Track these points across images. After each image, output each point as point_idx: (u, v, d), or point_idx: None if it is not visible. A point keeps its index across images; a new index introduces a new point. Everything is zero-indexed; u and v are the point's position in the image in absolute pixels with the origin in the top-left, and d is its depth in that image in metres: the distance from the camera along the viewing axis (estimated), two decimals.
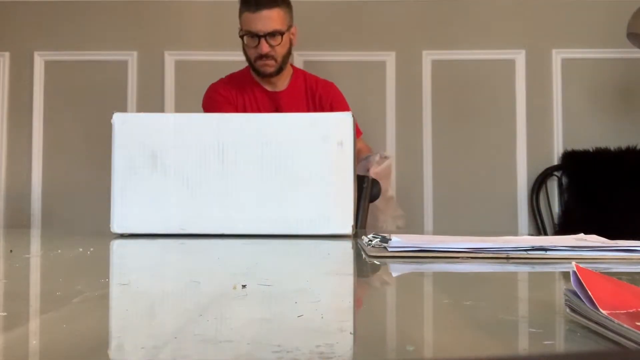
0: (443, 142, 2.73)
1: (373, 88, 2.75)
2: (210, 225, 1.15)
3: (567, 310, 0.42)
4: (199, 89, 2.14)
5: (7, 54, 2.80)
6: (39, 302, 0.53)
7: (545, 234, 2.63)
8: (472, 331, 0.41)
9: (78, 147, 2.74)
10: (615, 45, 2.68)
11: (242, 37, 2.03)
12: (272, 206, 1.15)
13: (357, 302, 0.55)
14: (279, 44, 1.99)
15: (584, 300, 0.39)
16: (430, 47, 2.76)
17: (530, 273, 0.72)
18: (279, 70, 2.04)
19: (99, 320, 0.45)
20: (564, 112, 2.74)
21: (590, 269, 0.41)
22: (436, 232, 1.59)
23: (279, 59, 2.02)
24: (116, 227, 1.16)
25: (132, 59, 2.78)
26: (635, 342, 0.33)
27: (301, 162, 1.15)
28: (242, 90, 2.08)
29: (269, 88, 2.10)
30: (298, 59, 2.71)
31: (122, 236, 1.16)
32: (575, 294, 0.41)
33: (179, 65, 2.77)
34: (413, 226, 2.59)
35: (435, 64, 2.76)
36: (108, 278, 0.70)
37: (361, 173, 1.84)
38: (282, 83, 2.11)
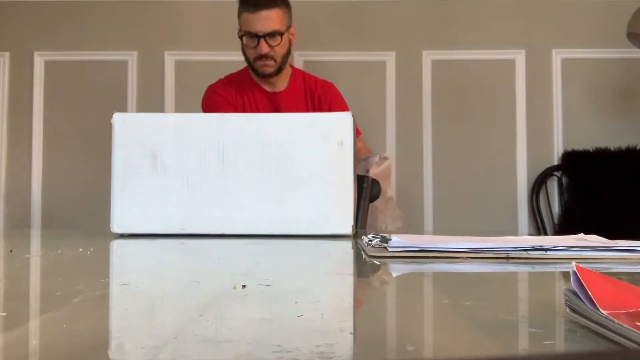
0: (443, 142, 2.73)
1: (373, 88, 2.75)
2: (210, 225, 1.15)
3: (567, 310, 0.42)
4: (199, 89, 2.14)
5: (7, 54, 2.80)
6: (39, 302, 0.53)
7: (545, 234, 2.63)
8: (472, 331, 0.41)
9: (78, 147, 2.74)
10: (615, 45, 2.68)
11: (241, 37, 2.03)
12: (272, 206, 1.15)
13: (357, 302, 0.55)
14: (279, 44, 1.99)
15: (584, 300, 0.39)
16: (430, 47, 2.76)
17: (530, 273, 0.72)
18: (278, 70, 2.04)
19: (99, 320, 0.45)
20: (564, 112, 2.74)
21: (590, 269, 0.41)
22: (436, 232, 1.59)
23: (279, 59, 2.02)
24: (116, 227, 1.16)
25: (132, 59, 2.78)
26: (635, 342, 0.33)
27: (301, 162, 1.15)
28: (242, 91, 2.08)
29: (268, 88, 2.10)
30: (298, 59, 2.71)
31: (122, 236, 1.16)
32: (575, 294, 0.40)
33: (179, 65, 2.77)
34: (413, 226, 2.59)
35: (435, 64, 2.76)
36: (108, 278, 0.70)
37: (361, 173, 1.84)
38: (282, 83, 2.11)
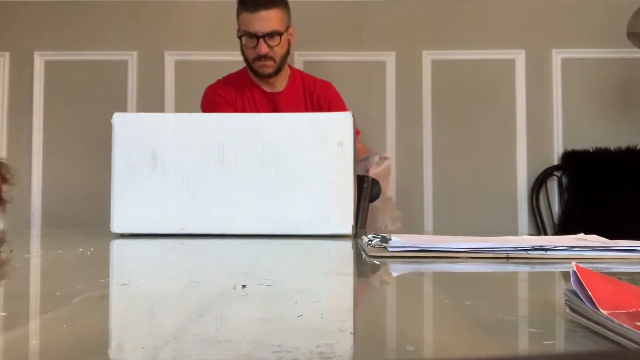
0: (443, 142, 2.73)
1: (373, 88, 2.75)
2: (210, 225, 1.15)
3: (567, 310, 0.42)
4: (199, 89, 2.14)
5: (7, 54, 2.80)
6: (39, 302, 0.53)
7: (545, 234, 2.63)
8: (472, 331, 0.41)
9: (78, 147, 2.74)
10: (615, 45, 2.68)
11: (240, 37, 2.02)
12: (272, 206, 1.15)
13: (357, 302, 0.55)
14: (278, 44, 1.98)
15: (584, 300, 0.39)
16: (430, 47, 2.76)
17: (530, 273, 0.72)
18: (277, 71, 2.04)
19: (99, 320, 0.45)
20: (564, 112, 2.74)
21: (590, 269, 0.41)
22: (436, 232, 1.59)
23: (278, 60, 2.01)
24: (116, 227, 1.16)
25: (132, 59, 2.78)
26: (635, 342, 0.33)
27: (301, 162, 1.15)
28: (241, 91, 2.07)
29: (267, 89, 2.09)
30: (298, 59, 2.71)
31: (122, 236, 1.16)
32: (575, 294, 0.40)
33: (179, 65, 2.77)
34: (413, 226, 2.59)
35: (435, 64, 2.76)
36: (108, 278, 0.70)
37: (361, 173, 1.84)
38: (281, 84, 2.10)
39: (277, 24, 1.97)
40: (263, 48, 1.97)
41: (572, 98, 2.75)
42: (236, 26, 2.03)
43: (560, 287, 0.62)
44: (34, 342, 0.39)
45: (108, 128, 1.18)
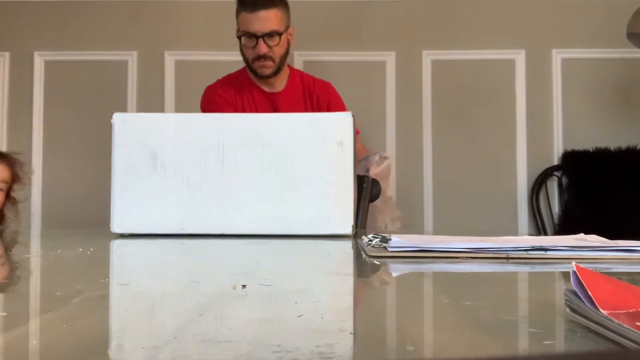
0: (443, 142, 2.73)
1: (373, 88, 2.75)
2: (210, 225, 1.15)
3: (567, 310, 0.42)
4: (199, 89, 2.14)
5: (7, 54, 2.80)
6: (39, 302, 0.53)
7: (545, 234, 2.63)
8: (472, 331, 0.41)
9: (78, 147, 2.74)
10: (615, 45, 2.68)
11: (239, 37, 2.02)
12: (272, 206, 1.15)
13: (357, 302, 0.55)
14: (277, 44, 1.98)
15: (584, 300, 0.39)
16: (430, 47, 2.76)
17: (530, 273, 0.72)
18: (277, 71, 2.03)
19: (99, 320, 0.45)
20: (564, 112, 2.74)
21: (590, 269, 0.41)
22: (436, 232, 1.59)
23: (277, 60, 2.01)
24: (116, 227, 1.16)
25: (132, 59, 2.78)
26: (635, 342, 0.33)
27: (301, 162, 1.15)
28: (240, 92, 2.07)
29: (266, 89, 2.09)
30: (298, 59, 2.71)
31: (122, 236, 1.16)
32: (575, 294, 0.41)
33: (179, 65, 2.77)
34: (413, 226, 2.59)
35: (435, 64, 2.76)
36: (108, 278, 0.70)
37: (361, 173, 1.84)
38: (280, 84, 2.10)
39: (276, 24, 1.97)
40: (262, 48, 1.97)
41: (572, 98, 2.75)
42: (236, 26, 2.03)
43: (560, 287, 0.62)
44: (34, 342, 0.39)
45: (108, 128, 1.18)
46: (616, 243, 0.81)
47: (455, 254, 0.78)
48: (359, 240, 1.01)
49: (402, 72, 2.75)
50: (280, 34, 1.97)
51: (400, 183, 2.70)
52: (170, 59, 2.77)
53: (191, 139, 1.16)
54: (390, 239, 0.83)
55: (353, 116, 1.16)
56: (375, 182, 1.88)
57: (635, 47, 2.42)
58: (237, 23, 2.01)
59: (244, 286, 0.55)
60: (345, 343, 0.38)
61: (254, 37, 1.96)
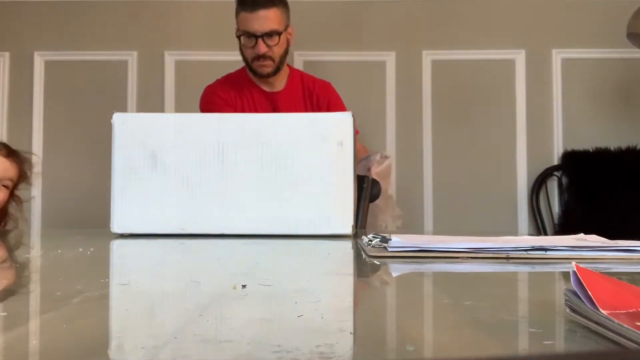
0: (443, 142, 2.73)
1: (373, 88, 2.75)
2: (210, 225, 1.15)
3: (567, 310, 0.42)
4: (199, 89, 2.14)
5: (7, 54, 2.80)
6: (39, 302, 0.53)
7: (545, 234, 2.63)
8: (472, 331, 0.41)
9: (78, 147, 2.74)
10: (615, 45, 2.68)
11: (239, 37, 2.02)
12: (272, 206, 1.15)
13: (357, 302, 0.55)
14: (276, 44, 1.98)
15: (584, 300, 0.39)
16: (430, 47, 2.76)
17: (530, 273, 0.72)
18: (276, 70, 2.03)
19: (99, 320, 0.45)
20: (564, 112, 2.74)
21: (590, 269, 0.41)
22: (436, 232, 1.59)
23: (277, 59, 2.01)
24: (116, 227, 1.16)
25: (132, 59, 2.78)
26: (635, 342, 0.33)
27: (301, 162, 1.15)
28: (240, 92, 2.07)
29: (266, 88, 2.09)
30: (298, 59, 2.71)
31: (122, 236, 1.16)
32: (575, 294, 0.40)
33: (179, 65, 2.77)
34: (413, 226, 2.59)
35: (435, 64, 2.76)
36: (108, 278, 0.70)
37: (362, 173, 1.84)
38: (280, 83, 2.10)
39: (275, 24, 1.97)
40: (262, 48, 1.97)
41: (572, 98, 2.75)
42: (235, 26, 2.03)
43: (560, 287, 0.62)
44: (34, 342, 0.39)
45: (108, 128, 1.18)
46: (616, 243, 0.81)
47: (455, 254, 0.78)
48: (359, 240, 1.01)
49: (402, 72, 2.75)
50: (279, 34, 1.97)
51: (400, 183, 2.70)
52: (170, 59, 2.77)
53: (191, 139, 1.16)
54: (390, 239, 0.83)
55: (353, 116, 1.16)
56: (375, 182, 1.88)
57: (635, 47, 2.42)
58: (237, 23, 2.01)
59: (244, 286, 0.55)
60: (345, 343, 0.38)
61: (253, 36, 1.96)
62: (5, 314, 0.47)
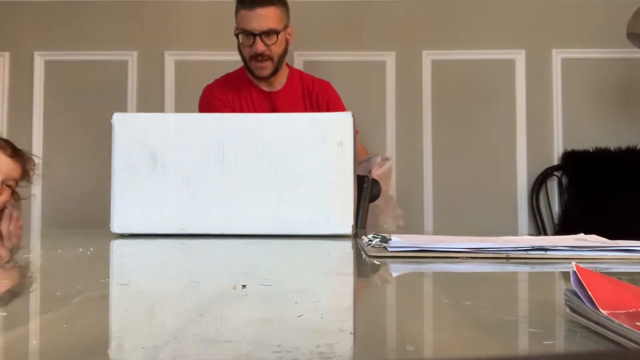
0: (443, 142, 2.73)
1: (373, 88, 2.75)
2: (210, 225, 1.15)
3: (567, 310, 0.42)
4: (199, 89, 2.13)
5: (7, 54, 2.80)
6: (39, 302, 0.53)
7: (545, 234, 2.63)
8: (472, 331, 0.41)
9: (78, 147, 2.74)
10: (615, 45, 2.68)
11: (237, 35, 2.01)
12: (272, 206, 1.15)
13: (357, 302, 0.55)
14: (274, 43, 1.97)
15: (584, 300, 0.39)
16: (430, 47, 2.76)
17: (530, 273, 0.72)
18: (275, 71, 2.03)
19: (99, 320, 0.45)
20: (564, 112, 2.74)
21: (590, 269, 0.41)
22: (436, 232, 1.59)
23: (275, 59, 2.00)
24: (116, 227, 1.16)
25: (132, 59, 2.78)
26: (635, 342, 0.33)
27: (301, 162, 1.15)
28: (239, 92, 2.07)
29: (265, 88, 2.09)
30: (298, 59, 2.71)
31: (122, 236, 1.16)
32: (575, 294, 0.40)
33: (179, 65, 2.77)
34: (413, 226, 2.59)
35: (435, 64, 2.76)
36: (108, 278, 0.70)
37: (361, 174, 1.84)
38: (279, 83, 2.09)
39: (274, 22, 1.96)
40: (259, 46, 1.96)
41: (572, 98, 2.75)
42: (235, 24, 2.03)
43: (560, 287, 0.62)
44: (34, 342, 0.39)
45: (108, 128, 1.18)
46: (616, 243, 0.81)
47: (455, 254, 0.78)
48: (359, 240, 1.01)
49: (402, 72, 2.75)
50: (277, 33, 1.96)
51: (401, 183, 2.70)
52: (170, 59, 2.77)
53: (191, 139, 1.16)
54: (390, 239, 0.83)
55: (353, 116, 1.16)
56: (375, 182, 1.88)
57: (635, 47, 2.42)
58: (236, 21, 2.01)
59: (244, 286, 0.55)
60: (345, 343, 0.38)
61: (251, 35, 1.96)
62: (5, 314, 0.47)
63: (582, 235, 0.93)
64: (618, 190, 2.56)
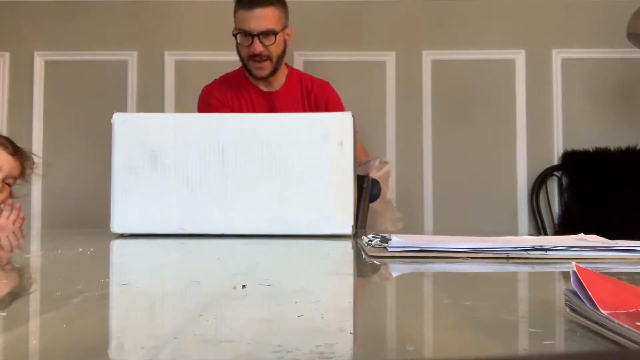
0: (443, 142, 2.73)
1: (373, 88, 2.75)
2: (210, 225, 1.15)
3: (567, 310, 0.42)
4: (199, 89, 2.13)
5: (7, 54, 2.80)
6: (39, 302, 0.53)
7: (545, 234, 2.63)
8: (472, 331, 0.41)
9: (78, 147, 2.74)
10: (615, 45, 2.68)
11: (235, 35, 2.01)
12: (272, 206, 1.15)
13: (357, 302, 0.55)
14: (273, 43, 1.97)
15: (584, 300, 0.39)
16: (430, 47, 2.76)
17: (530, 273, 0.72)
18: (274, 71, 2.03)
19: (99, 320, 0.45)
20: (564, 112, 2.74)
21: (590, 269, 0.41)
22: (436, 232, 1.59)
23: (274, 59, 2.00)
24: (116, 227, 1.16)
25: (132, 59, 2.78)
26: (635, 342, 0.33)
27: (301, 162, 1.15)
28: (238, 92, 2.06)
29: (264, 88, 2.08)
30: (298, 59, 2.71)
31: (122, 236, 1.16)
32: (575, 294, 0.40)
33: (179, 65, 2.77)
34: (413, 226, 2.59)
35: (435, 64, 2.76)
36: (108, 278, 0.70)
37: (361, 174, 1.84)
38: (278, 83, 2.09)
39: (272, 23, 1.96)
40: (257, 47, 1.96)
41: (572, 98, 2.75)
42: (233, 24, 2.03)
43: (560, 287, 0.62)
44: (34, 342, 0.39)
45: (108, 128, 1.18)
46: (616, 243, 0.81)
47: (455, 254, 0.78)
48: (359, 240, 1.01)
49: (402, 72, 2.75)
50: (275, 33, 1.96)
51: (400, 183, 2.70)
52: (170, 59, 2.77)
53: (191, 139, 1.16)
54: (390, 239, 0.83)
55: (353, 116, 1.16)
56: (375, 182, 1.88)
57: (635, 47, 2.42)
58: (235, 21, 2.01)
59: (244, 286, 0.55)
60: (345, 343, 0.38)
61: (250, 35, 1.96)
62: (5, 314, 0.47)
63: (582, 235, 0.93)
64: (618, 190, 2.56)
